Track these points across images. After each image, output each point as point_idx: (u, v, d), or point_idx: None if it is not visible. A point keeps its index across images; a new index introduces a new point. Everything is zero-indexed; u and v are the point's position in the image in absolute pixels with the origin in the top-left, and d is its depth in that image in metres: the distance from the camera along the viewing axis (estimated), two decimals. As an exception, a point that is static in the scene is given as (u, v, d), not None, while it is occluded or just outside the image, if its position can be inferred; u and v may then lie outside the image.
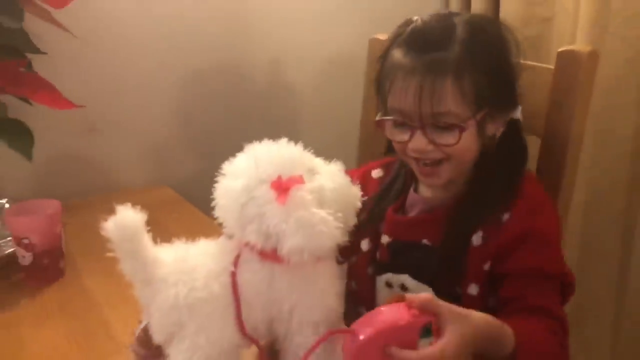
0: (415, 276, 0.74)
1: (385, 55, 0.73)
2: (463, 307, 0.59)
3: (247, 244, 0.54)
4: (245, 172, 0.54)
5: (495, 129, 0.73)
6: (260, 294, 0.54)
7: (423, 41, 0.69)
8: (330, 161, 0.61)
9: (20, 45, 0.87)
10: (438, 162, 0.70)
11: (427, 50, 0.68)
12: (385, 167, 0.83)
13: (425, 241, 0.74)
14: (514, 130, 0.75)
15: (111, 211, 1.04)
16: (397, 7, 1.46)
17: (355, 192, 0.59)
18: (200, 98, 1.25)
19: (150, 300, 0.54)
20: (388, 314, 0.54)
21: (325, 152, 1.31)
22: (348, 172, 0.83)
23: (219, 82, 1.26)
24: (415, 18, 0.73)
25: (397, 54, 0.70)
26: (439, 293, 0.60)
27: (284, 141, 0.57)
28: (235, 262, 0.54)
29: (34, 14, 0.85)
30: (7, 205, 1.00)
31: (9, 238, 0.90)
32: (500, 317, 0.61)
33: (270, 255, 0.53)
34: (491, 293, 0.70)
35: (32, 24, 0.90)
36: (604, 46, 1.16)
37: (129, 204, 0.52)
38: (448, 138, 0.68)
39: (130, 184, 1.19)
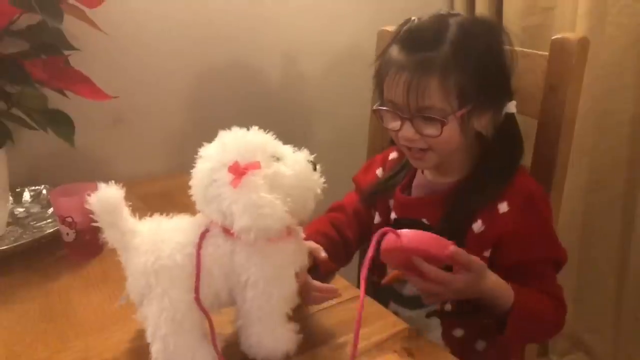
0: None
1: (384, 51, 0.81)
2: None
3: (213, 221, 0.60)
4: (213, 156, 0.60)
5: (482, 123, 0.79)
6: (222, 265, 0.60)
7: (415, 40, 0.76)
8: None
9: (57, 42, 0.94)
10: (425, 150, 0.78)
11: (418, 50, 0.75)
12: (400, 151, 0.92)
13: (424, 220, 0.83)
14: (510, 123, 0.81)
15: (140, 195, 1.13)
16: (404, 1, 1.52)
17: (316, 179, 0.63)
18: (216, 90, 1.31)
19: (128, 264, 0.61)
20: (430, 239, 0.66)
21: (336, 142, 1.39)
22: (376, 157, 0.97)
23: (234, 75, 1.32)
24: (413, 18, 0.80)
25: (394, 51, 0.78)
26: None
27: (254, 128, 0.62)
28: (202, 236, 0.60)
29: (70, 13, 0.92)
30: (44, 192, 1.09)
31: (49, 220, 0.99)
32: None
33: (231, 232, 0.59)
34: None
35: (65, 23, 0.98)
36: (603, 34, 1.21)
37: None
38: (432, 130, 0.75)
39: (153, 170, 1.26)
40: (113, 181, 0.60)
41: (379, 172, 0.94)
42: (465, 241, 0.77)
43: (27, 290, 0.80)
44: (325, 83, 1.46)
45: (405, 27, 0.79)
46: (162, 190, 1.14)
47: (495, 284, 0.72)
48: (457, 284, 0.68)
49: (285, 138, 0.66)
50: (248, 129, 0.63)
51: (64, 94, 0.97)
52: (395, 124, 0.79)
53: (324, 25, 1.43)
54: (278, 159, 0.61)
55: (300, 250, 0.65)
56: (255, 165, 0.58)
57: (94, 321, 0.72)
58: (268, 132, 0.64)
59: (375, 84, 0.84)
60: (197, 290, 0.59)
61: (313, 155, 0.64)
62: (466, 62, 0.74)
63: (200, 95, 1.30)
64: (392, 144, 0.89)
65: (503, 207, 0.77)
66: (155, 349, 0.59)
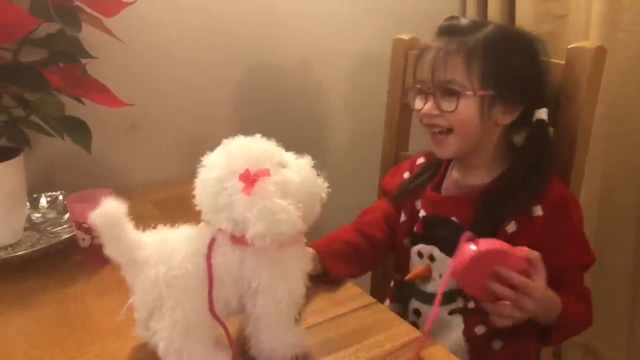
0: (443, 249, 0.83)
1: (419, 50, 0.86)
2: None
3: (220, 230, 0.61)
4: (219, 164, 0.60)
5: (505, 118, 0.81)
6: (231, 273, 0.61)
7: (453, 27, 0.82)
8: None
9: (75, 50, 0.96)
10: (446, 133, 0.81)
11: (453, 34, 0.81)
12: (427, 156, 0.96)
13: (454, 218, 0.84)
14: (540, 129, 0.83)
15: (153, 201, 1.14)
16: (418, 7, 1.53)
17: (320, 184, 0.64)
18: (232, 96, 1.32)
19: (135, 278, 0.60)
20: (506, 246, 0.67)
21: (351, 147, 1.39)
22: (403, 163, 1.01)
23: (248, 82, 1.33)
24: (458, 15, 0.86)
25: (432, 40, 0.83)
26: None
27: (257, 136, 0.63)
28: (210, 245, 0.61)
29: (87, 22, 0.93)
30: (60, 197, 1.10)
31: (65, 225, 1.00)
32: None
33: (239, 239, 0.59)
34: None
35: (83, 31, 0.99)
36: (616, 41, 1.20)
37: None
38: (450, 104, 0.78)
39: (167, 176, 1.27)
40: (113, 194, 0.61)
41: (406, 175, 0.97)
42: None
43: (43, 295, 0.81)
44: (340, 89, 1.47)
45: (447, 20, 0.85)
46: (175, 196, 1.15)
47: (551, 293, 0.74)
48: (539, 290, 0.69)
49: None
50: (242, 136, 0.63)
51: (81, 101, 0.98)
52: (419, 103, 0.83)
53: (340, 32, 1.44)
54: (283, 166, 0.62)
55: (305, 255, 0.66)
56: (265, 173, 0.59)
57: (109, 326, 0.73)
58: (271, 139, 0.64)
59: (413, 78, 0.89)
60: (210, 299, 0.60)
61: (314, 162, 0.65)
62: (495, 53, 0.78)
63: (215, 101, 1.31)
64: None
65: (537, 210, 0.78)
66: None
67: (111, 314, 0.75)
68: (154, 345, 0.61)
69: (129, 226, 0.60)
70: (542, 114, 0.83)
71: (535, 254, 0.69)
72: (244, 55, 1.32)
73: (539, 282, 0.69)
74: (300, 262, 0.64)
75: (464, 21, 0.83)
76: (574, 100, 0.88)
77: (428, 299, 0.86)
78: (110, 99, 0.90)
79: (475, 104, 0.78)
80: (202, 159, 0.63)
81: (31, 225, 1.00)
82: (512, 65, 0.80)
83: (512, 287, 0.68)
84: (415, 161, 0.98)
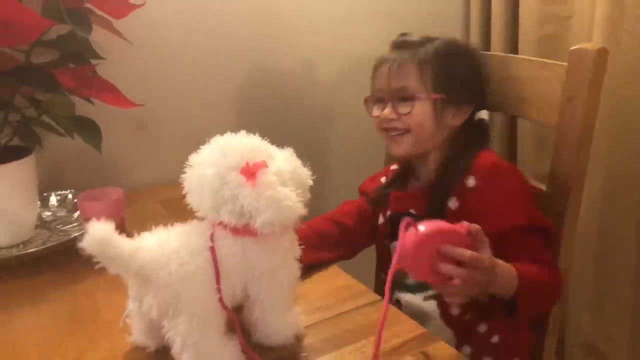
0: None
1: (375, 62, 0.95)
2: None
3: (220, 223, 0.62)
4: (214, 161, 0.62)
5: (453, 118, 0.90)
6: (236, 263, 0.63)
7: (404, 41, 0.93)
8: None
9: (85, 51, 0.98)
10: (402, 134, 0.89)
11: (405, 47, 0.91)
12: (400, 163, 1.02)
13: (412, 210, 0.91)
14: (479, 126, 0.94)
15: (160, 200, 1.15)
16: (421, 8, 1.54)
17: (307, 172, 0.67)
18: (236, 97, 1.34)
19: (145, 282, 0.61)
20: (446, 225, 0.68)
21: (353, 146, 1.41)
22: (384, 170, 1.08)
23: (252, 82, 1.35)
24: (410, 32, 0.97)
25: (383, 55, 0.93)
26: None
27: (243, 132, 0.66)
28: (211, 239, 0.63)
29: (97, 24, 0.95)
30: (70, 196, 1.12)
31: (74, 224, 1.02)
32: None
33: (240, 231, 0.62)
34: None
35: (92, 33, 1.01)
36: (620, 43, 1.21)
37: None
38: (406, 108, 0.87)
39: (173, 176, 1.28)
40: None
41: (383, 179, 1.03)
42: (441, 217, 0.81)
43: (55, 291, 0.82)
44: (342, 89, 1.48)
45: (400, 35, 0.96)
46: (181, 195, 1.16)
47: (501, 262, 0.74)
48: (485, 261, 0.68)
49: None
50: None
51: (91, 102, 1.00)
52: (377, 111, 0.91)
53: (342, 34, 1.45)
54: (272, 158, 0.64)
55: (295, 241, 0.68)
56: (263, 165, 0.62)
57: (118, 322, 0.74)
58: (256, 134, 0.67)
59: (371, 90, 0.96)
60: (219, 290, 0.62)
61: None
62: (443, 62, 0.89)
63: (219, 102, 1.33)
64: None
65: (471, 181, 0.84)
66: (187, 358, 0.61)
67: (120, 311, 0.76)
68: (157, 346, 0.65)
69: (121, 242, 0.59)
70: (483, 114, 0.94)
71: (475, 227, 0.69)
72: (248, 57, 1.34)
73: (484, 253, 0.69)
74: (293, 246, 0.68)
75: (415, 36, 0.93)
76: (576, 101, 0.89)
77: (409, 288, 0.93)
78: (120, 99, 0.92)
79: (429, 106, 0.87)
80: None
81: (42, 223, 1.02)
82: (459, 73, 0.90)
83: (459, 263, 0.67)
84: (390, 167, 1.04)
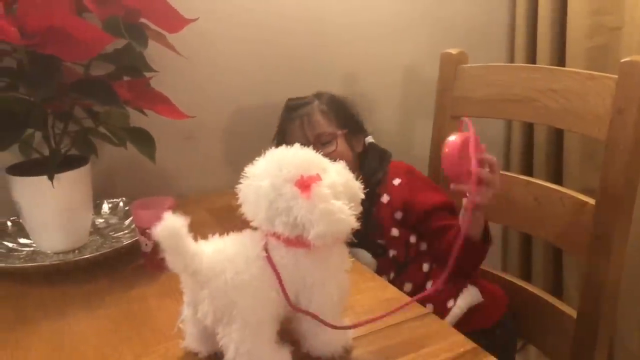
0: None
1: (279, 126, 1.20)
2: (388, 245, 1.09)
3: (273, 234, 0.64)
4: (270, 173, 0.63)
5: (358, 145, 1.17)
6: (289, 273, 0.63)
7: (300, 102, 1.17)
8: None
9: (139, 65, 1.01)
10: None
11: (301, 106, 1.16)
12: None
13: None
14: (373, 146, 1.19)
15: (207, 208, 1.17)
16: (466, 20, 1.54)
17: (358, 185, 0.68)
18: (281, 108, 1.36)
19: (198, 289, 0.63)
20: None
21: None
22: None
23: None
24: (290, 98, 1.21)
25: (284, 117, 1.18)
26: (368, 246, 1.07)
27: (297, 146, 0.68)
28: (265, 249, 0.64)
29: (152, 38, 0.98)
30: (121, 204, 1.15)
31: (126, 231, 1.05)
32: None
33: (293, 242, 0.63)
34: (413, 232, 1.09)
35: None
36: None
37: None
38: (329, 148, 1.11)
39: (219, 185, 1.30)
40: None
41: None
42: (375, 209, 1.09)
43: (109, 296, 0.85)
44: (387, 102, 1.49)
45: (289, 100, 1.20)
46: (228, 203, 1.17)
47: None
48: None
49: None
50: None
51: (144, 113, 1.03)
52: None
53: (386, 46, 1.46)
54: (325, 171, 0.65)
55: (346, 253, 0.69)
56: (317, 178, 0.63)
57: (172, 328, 0.76)
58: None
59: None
60: (285, 294, 0.63)
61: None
62: (335, 106, 1.16)
63: (266, 113, 1.35)
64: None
65: (397, 181, 1.11)
66: None
67: (173, 316, 0.78)
68: (209, 352, 0.66)
69: (189, 240, 0.62)
70: (370, 138, 1.21)
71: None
72: (294, 69, 1.36)
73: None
74: (344, 259, 0.68)
75: (304, 97, 1.18)
76: (626, 114, 0.88)
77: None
78: (173, 111, 0.95)
79: (343, 141, 1.14)
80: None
81: (95, 230, 1.06)
82: (347, 112, 1.18)
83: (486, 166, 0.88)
84: None
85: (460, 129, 0.87)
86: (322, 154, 0.91)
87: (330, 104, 1.16)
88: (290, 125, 1.15)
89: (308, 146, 0.96)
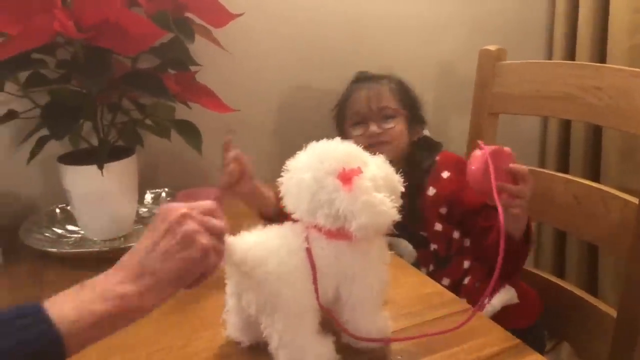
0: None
1: (343, 95, 1.20)
2: (430, 239, 1.08)
3: (315, 226, 0.64)
4: (312, 166, 0.64)
5: (413, 133, 1.16)
6: (329, 265, 0.65)
7: (370, 76, 1.19)
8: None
9: (184, 58, 1.03)
10: (383, 145, 1.09)
11: (372, 80, 1.17)
12: None
13: None
14: (426, 139, 1.18)
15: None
16: (505, 18, 1.53)
17: (398, 178, 0.68)
18: (321, 102, 1.35)
19: (242, 279, 0.64)
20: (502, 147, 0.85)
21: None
22: None
23: (338, 89, 1.36)
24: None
25: (351, 87, 1.18)
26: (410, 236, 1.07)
27: (337, 139, 0.68)
28: (306, 241, 0.65)
29: (198, 33, 1.01)
30: (163, 194, 1.18)
31: (168, 221, 1.08)
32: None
33: (334, 234, 0.64)
34: (457, 228, 1.07)
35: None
36: None
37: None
38: (390, 124, 1.11)
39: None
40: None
41: None
42: (420, 201, 1.07)
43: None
44: (424, 98, 1.49)
45: (359, 73, 1.23)
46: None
47: None
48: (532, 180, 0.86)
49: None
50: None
51: (188, 106, 1.06)
52: (360, 130, 1.13)
53: (423, 43, 1.46)
54: (366, 164, 0.66)
55: (385, 247, 0.70)
56: (358, 171, 0.63)
57: (218, 315, 0.78)
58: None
59: (337, 123, 1.21)
60: (316, 289, 0.64)
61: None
62: (404, 90, 1.17)
63: (304, 107, 1.37)
64: None
65: (445, 174, 1.08)
66: (284, 354, 0.64)
67: (218, 304, 0.80)
68: (251, 342, 0.69)
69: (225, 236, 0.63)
70: (427, 132, 1.20)
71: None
72: (334, 65, 1.37)
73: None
74: (384, 251, 0.69)
75: (374, 72, 1.21)
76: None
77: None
78: (218, 104, 0.97)
79: (404, 122, 1.14)
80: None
81: (139, 219, 1.09)
82: (413, 99, 1.18)
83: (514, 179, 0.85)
84: None
85: (480, 146, 0.84)
86: (380, 128, 1.08)
87: (400, 85, 1.17)
88: (356, 93, 1.15)
89: (367, 117, 1.12)
